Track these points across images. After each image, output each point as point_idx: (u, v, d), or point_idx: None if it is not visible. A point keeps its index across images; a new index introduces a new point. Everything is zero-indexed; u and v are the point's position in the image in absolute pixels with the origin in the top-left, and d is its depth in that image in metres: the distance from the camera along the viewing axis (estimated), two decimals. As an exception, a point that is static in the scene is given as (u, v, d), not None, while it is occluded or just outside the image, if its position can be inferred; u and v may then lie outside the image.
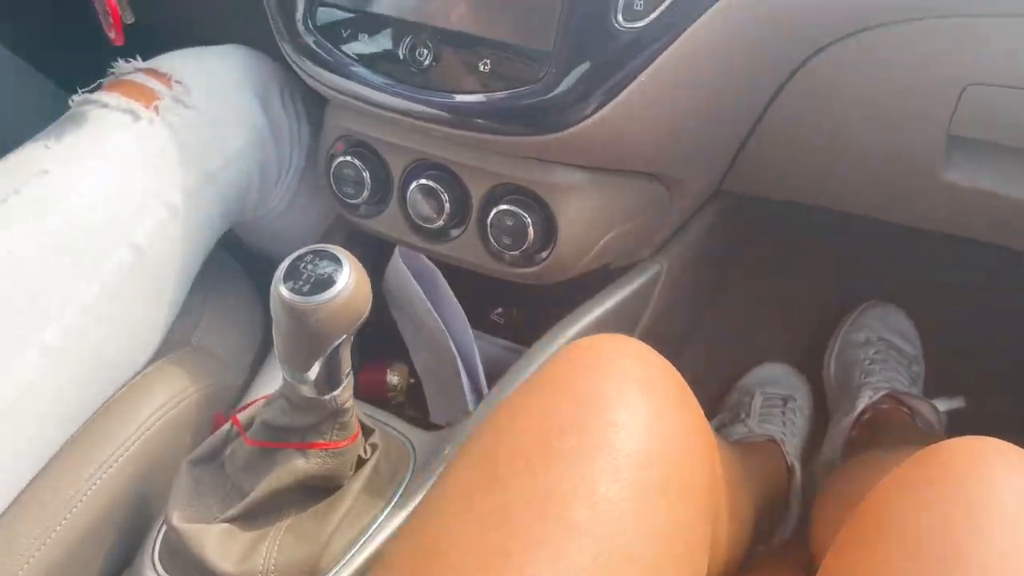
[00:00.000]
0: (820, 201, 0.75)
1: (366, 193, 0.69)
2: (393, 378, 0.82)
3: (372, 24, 0.61)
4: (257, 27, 0.70)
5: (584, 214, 0.65)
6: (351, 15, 0.62)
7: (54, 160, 0.61)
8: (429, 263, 0.77)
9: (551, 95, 0.56)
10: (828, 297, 1.13)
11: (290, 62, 0.67)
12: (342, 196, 0.71)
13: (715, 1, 0.52)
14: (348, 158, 0.69)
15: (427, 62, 0.59)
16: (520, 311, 0.86)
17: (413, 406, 0.83)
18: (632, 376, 0.46)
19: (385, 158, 0.69)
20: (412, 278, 0.76)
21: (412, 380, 0.83)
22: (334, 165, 0.70)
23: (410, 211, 0.68)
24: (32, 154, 0.61)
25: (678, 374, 0.49)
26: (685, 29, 0.53)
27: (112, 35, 0.61)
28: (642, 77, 0.54)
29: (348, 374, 0.55)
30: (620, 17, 0.53)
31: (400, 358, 0.83)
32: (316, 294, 0.49)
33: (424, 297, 0.76)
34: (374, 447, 0.61)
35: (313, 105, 0.76)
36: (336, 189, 0.71)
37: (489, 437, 0.45)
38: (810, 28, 0.55)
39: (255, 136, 0.70)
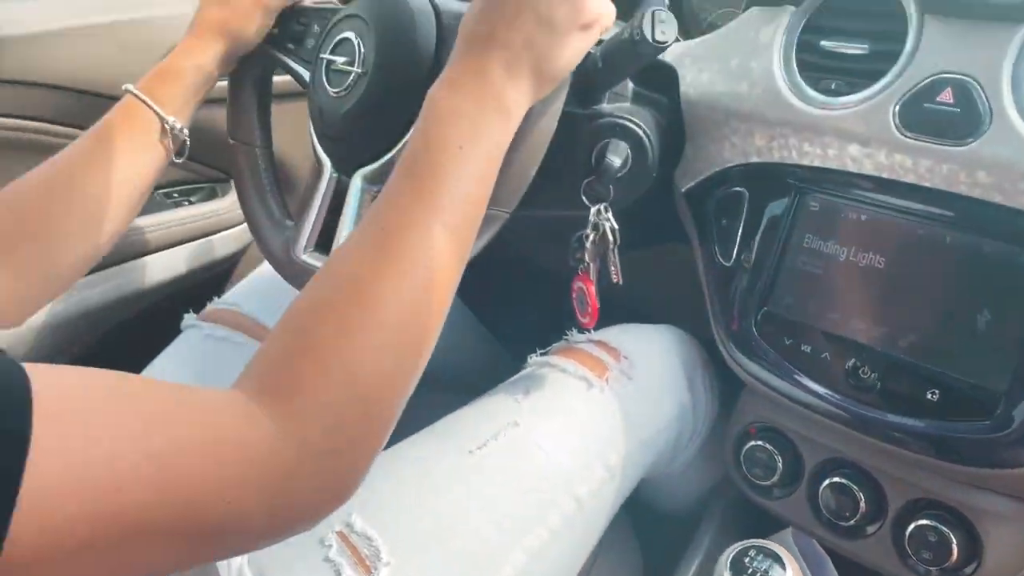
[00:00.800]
0: None
1: (775, 478, 0.73)
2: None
3: (820, 337, 0.66)
4: (687, 309, 0.80)
5: (1013, 542, 0.63)
6: (800, 324, 0.68)
7: (522, 414, 0.73)
8: (818, 546, 0.78)
9: (1000, 434, 0.57)
10: None
11: (724, 353, 0.74)
12: (750, 476, 0.76)
13: None
14: (761, 442, 0.74)
15: (872, 382, 0.63)
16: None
17: None
18: None
19: (800, 449, 0.73)
20: (802, 559, 0.77)
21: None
22: (745, 447, 0.75)
23: (820, 504, 0.71)
24: (506, 405, 0.74)
25: None
26: None
27: (585, 320, 0.74)
28: (1107, 431, 0.54)
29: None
30: (1089, 371, 0.54)
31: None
32: (761, 591, 0.54)
33: (811, 583, 0.76)
34: None
35: (724, 383, 0.84)
36: (745, 469, 0.76)
37: None
38: None
39: (679, 411, 0.79)
